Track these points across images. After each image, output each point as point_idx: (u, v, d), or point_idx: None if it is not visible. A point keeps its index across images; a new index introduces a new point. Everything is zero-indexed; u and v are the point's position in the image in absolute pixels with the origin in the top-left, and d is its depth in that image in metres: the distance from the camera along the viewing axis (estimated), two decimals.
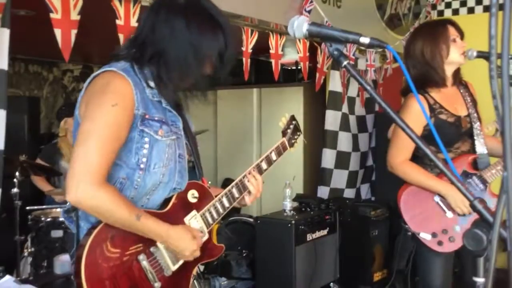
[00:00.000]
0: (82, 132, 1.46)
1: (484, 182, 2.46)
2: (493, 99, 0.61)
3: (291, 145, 2.08)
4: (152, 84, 1.57)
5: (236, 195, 1.80)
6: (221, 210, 1.76)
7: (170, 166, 1.60)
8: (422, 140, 0.98)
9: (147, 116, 1.53)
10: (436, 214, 2.41)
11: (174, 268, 1.63)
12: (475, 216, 2.35)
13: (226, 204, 1.77)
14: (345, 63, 1.04)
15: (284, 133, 2.07)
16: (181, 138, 1.67)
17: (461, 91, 2.57)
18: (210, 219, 1.73)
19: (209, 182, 1.84)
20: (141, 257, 1.55)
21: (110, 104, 1.45)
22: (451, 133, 2.45)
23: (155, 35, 1.54)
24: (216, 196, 1.77)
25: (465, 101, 2.54)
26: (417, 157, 2.47)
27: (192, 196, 1.70)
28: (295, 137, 2.11)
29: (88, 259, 1.44)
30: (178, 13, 1.53)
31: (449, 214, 2.39)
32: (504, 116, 0.59)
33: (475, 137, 2.49)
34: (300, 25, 1.11)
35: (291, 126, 2.09)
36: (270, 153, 1.95)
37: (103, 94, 1.48)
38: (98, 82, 1.52)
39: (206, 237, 1.72)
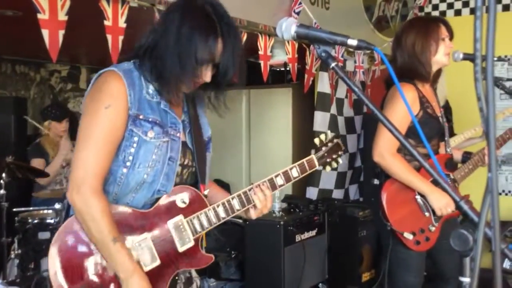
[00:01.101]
0: (81, 136, 1.53)
1: (454, 183, 2.50)
2: (478, 101, 0.62)
3: (324, 164, 1.84)
4: (152, 82, 1.59)
5: (237, 207, 1.69)
6: (214, 220, 1.66)
7: (157, 168, 1.59)
8: (408, 139, 0.99)
9: (140, 117, 1.55)
10: (416, 213, 2.43)
11: (146, 268, 1.58)
12: (446, 216, 2.38)
13: (222, 214, 1.67)
14: (333, 65, 1.05)
15: (316, 149, 1.84)
16: (177, 141, 1.64)
17: (433, 92, 2.62)
18: (198, 227, 1.65)
19: (206, 191, 1.73)
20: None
21: (103, 107, 1.50)
22: (434, 129, 2.49)
23: (154, 31, 1.58)
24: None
25: (437, 102, 2.59)
26: (399, 149, 2.47)
27: (181, 200, 1.64)
28: (334, 156, 1.85)
29: (58, 241, 1.53)
30: (175, 10, 1.56)
31: (427, 214, 2.42)
32: (488, 118, 0.60)
33: (446, 138, 2.55)
34: (288, 27, 1.11)
35: (329, 144, 1.85)
36: (291, 168, 1.76)
37: (98, 95, 1.54)
38: (97, 82, 1.58)
39: (191, 244, 1.64)
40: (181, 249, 1.63)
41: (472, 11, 5.07)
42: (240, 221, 3.91)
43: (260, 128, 5.34)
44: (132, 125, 1.54)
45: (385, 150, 2.38)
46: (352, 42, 1.05)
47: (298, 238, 3.59)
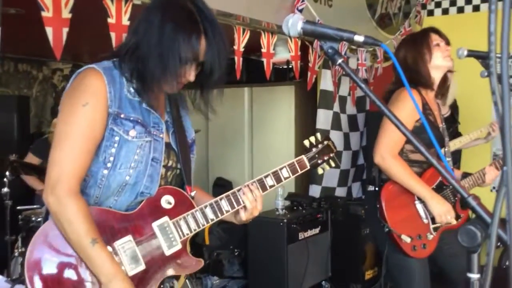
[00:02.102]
0: (57, 134, 1.46)
1: (455, 196, 2.48)
2: (492, 95, 0.62)
3: (315, 165, 1.80)
4: (133, 82, 1.52)
5: (226, 207, 1.62)
6: (201, 221, 1.60)
7: (139, 169, 1.52)
8: (416, 137, 0.99)
9: (121, 115, 1.49)
10: (414, 218, 2.40)
11: (130, 273, 1.49)
12: (444, 226, 2.35)
13: (210, 215, 1.60)
14: (339, 61, 1.04)
15: (307, 150, 1.80)
16: (160, 142, 1.58)
17: (438, 102, 2.62)
18: (185, 229, 1.58)
19: (193, 193, 1.66)
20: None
21: (81, 104, 1.45)
22: (435, 136, 2.48)
23: (136, 31, 1.52)
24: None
25: (440, 114, 2.59)
26: (401, 152, 2.46)
27: (167, 202, 1.57)
28: (325, 157, 1.81)
29: (33, 248, 1.45)
30: (156, 8, 1.51)
31: (425, 220, 2.40)
32: (504, 112, 0.59)
33: (446, 149, 2.56)
34: (294, 23, 1.11)
35: (320, 146, 1.81)
36: (281, 169, 1.72)
37: (76, 92, 1.48)
38: (76, 79, 1.51)
39: (178, 247, 1.56)
40: (167, 252, 1.55)
41: (475, 9, 5.06)
42: None
43: (263, 126, 5.34)
44: (112, 124, 1.48)
45: (387, 152, 2.37)
46: (359, 38, 1.05)
47: (301, 236, 3.59)
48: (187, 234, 1.58)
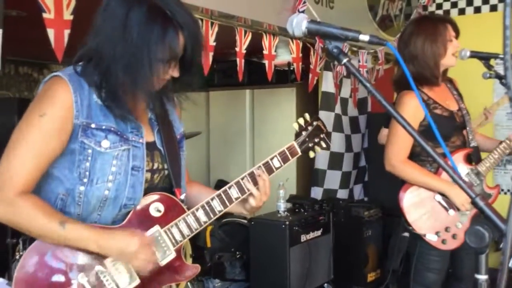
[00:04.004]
0: (10, 140, 1.37)
1: (479, 176, 2.48)
2: (508, 90, 0.61)
3: (307, 150, 1.70)
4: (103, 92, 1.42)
5: (218, 208, 1.55)
6: (194, 225, 1.52)
7: (118, 180, 1.42)
8: (422, 137, 0.98)
9: (92, 126, 1.39)
10: (438, 213, 2.41)
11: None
12: (474, 211, 2.36)
13: (203, 218, 1.53)
14: (344, 60, 1.04)
15: (296, 135, 1.70)
16: (140, 148, 1.48)
17: (448, 86, 2.60)
18: (178, 236, 1.50)
19: (183, 196, 1.59)
20: (80, 276, 1.39)
21: (38, 114, 1.35)
22: (447, 127, 2.47)
23: (94, 31, 1.39)
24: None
25: (454, 96, 2.57)
26: (413, 154, 2.46)
27: (155, 209, 1.49)
28: (316, 140, 1.71)
29: (20, 276, 1.38)
30: (116, 8, 1.36)
31: (451, 212, 2.40)
32: None
33: (468, 130, 2.53)
34: (299, 23, 1.10)
35: (309, 128, 1.70)
36: (272, 159, 1.62)
37: (36, 102, 1.39)
38: (41, 90, 1.42)
39: (172, 255, 1.50)
40: (162, 262, 1.48)
41: (476, 10, 5.05)
42: (245, 221, 3.90)
43: (264, 128, 5.32)
44: (82, 136, 1.38)
45: (394, 159, 2.40)
46: (364, 37, 1.04)
47: (303, 238, 3.57)
48: (180, 241, 1.52)
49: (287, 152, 1.65)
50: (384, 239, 4.10)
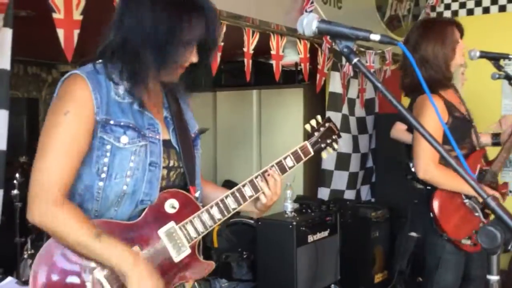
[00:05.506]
0: (38, 146, 1.38)
1: (494, 176, 2.49)
2: None
3: (319, 150, 1.74)
4: (122, 83, 1.43)
5: (232, 205, 1.56)
6: (209, 222, 1.53)
7: (136, 176, 1.43)
8: (435, 138, 0.98)
9: (111, 122, 1.40)
10: (469, 217, 2.40)
11: None
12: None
13: (217, 215, 1.54)
14: (355, 60, 1.04)
15: (309, 136, 1.73)
16: (157, 144, 1.49)
17: (454, 91, 2.60)
18: (192, 232, 1.51)
19: (197, 193, 1.60)
20: (97, 270, 1.39)
21: (62, 113, 1.37)
22: (466, 128, 2.48)
23: (121, 24, 1.41)
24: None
25: (460, 99, 2.57)
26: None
27: (171, 206, 1.50)
28: (328, 140, 1.75)
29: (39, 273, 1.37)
30: None
31: (476, 214, 2.40)
32: None
33: (476, 131, 2.54)
34: (309, 23, 1.10)
35: (322, 129, 1.75)
36: (285, 158, 1.66)
37: (58, 101, 1.40)
38: (60, 88, 1.44)
39: (187, 252, 1.50)
40: (177, 258, 1.49)
41: (485, 11, 5.03)
42: (252, 221, 3.90)
43: (271, 129, 5.32)
44: (102, 132, 1.39)
45: (429, 164, 2.32)
46: (375, 37, 1.04)
47: (310, 238, 3.57)
48: (195, 238, 1.52)
49: (300, 152, 1.69)
50: (391, 240, 4.10)
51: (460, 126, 2.43)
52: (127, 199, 1.44)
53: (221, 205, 1.56)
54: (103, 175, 1.40)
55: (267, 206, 1.66)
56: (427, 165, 2.33)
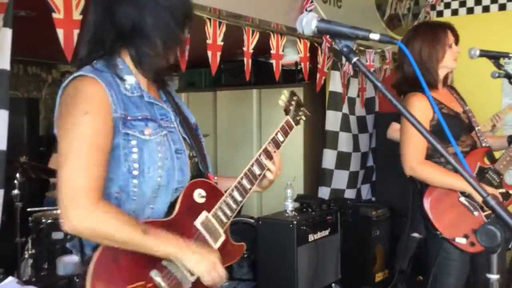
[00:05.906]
0: (60, 153, 1.32)
1: (498, 174, 2.47)
2: None
3: (297, 122, 1.91)
4: (127, 77, 1.43)
5: (248, 186, 1.63)
6: (234, 206, 1.58)
7: (167, 166, 1.43)
8: (434, 136, 0.98)
9: (129, 118, 1.38)
10: (464, 215, 2.37)
11: (193, 279, 1.43)
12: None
13: (239, 198, 1.60)
14: (355, 59, 1.04)
15: (286, 111, 1.88)
16: (175, 132, 1.51)
17: (450, 91, 2.61)
18: (223, 218, 1.55)
19: (215, 178, 1.65)
20: (154, 273, 1.36)
21: (81, 114, 1.31)
22: (456, 126, 2.46)
23: (117, 15, 1.41)
24: (226, 191, 1.60)
25: (457, 99, 2.57)
26: (426, 156, 2.45)
27: (199, 196, 1.52)
28: (300, 113, 1.94)
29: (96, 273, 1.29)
30: None
31: (476, 213, 2.37)
32: None
33: (477, 131, 2.52)
34: (309, 22, 1.10)
35: (293, 103, 1.91)
36: (276, 134, 1.78)
37: (72, 105, 1.34)
38: (67, 93, 1.38)
39: (223, 237, 1.54)
40: (215, 246, 1.52)
41: (485, 9, 5.03)
42: (252, 221, 3.90)
43: (271, 128, 5.28)
44: (124, 128, 1.37)
45: (413, 161, 2.35)
46: (374, 36, 1.04)
47: (311, 237, 3.57)
48: (226, 222, 1.56)
49: (286, 127, 1.85)
50: (392, 239, 4.09)
51: (449, 123, 2.41)
52: (163, 191, 1.44)
53: (239, 187, 1.62)
54: (136, 172, 1.38)
55: (272, 182, 1.76)
56: (411, 161, 2.36)
